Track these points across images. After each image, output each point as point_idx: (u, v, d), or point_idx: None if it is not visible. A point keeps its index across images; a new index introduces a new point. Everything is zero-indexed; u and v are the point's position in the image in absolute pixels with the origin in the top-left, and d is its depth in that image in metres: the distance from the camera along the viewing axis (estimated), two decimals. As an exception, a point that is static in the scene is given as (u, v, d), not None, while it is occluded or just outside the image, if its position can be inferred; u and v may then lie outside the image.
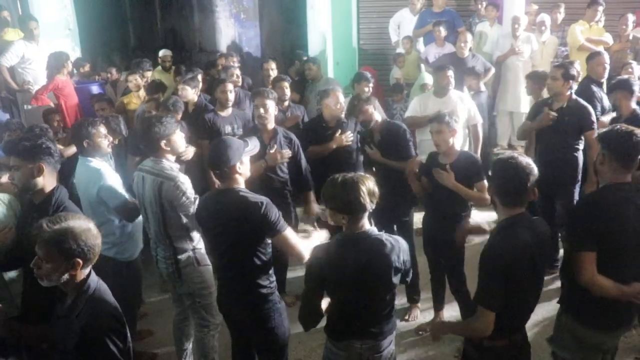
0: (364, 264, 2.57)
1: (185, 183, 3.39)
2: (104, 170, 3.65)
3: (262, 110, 4.33)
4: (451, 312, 4.43)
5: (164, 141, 3.44)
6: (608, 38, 7.15)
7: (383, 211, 3.14)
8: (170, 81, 7.23)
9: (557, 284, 3.93)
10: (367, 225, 2.66)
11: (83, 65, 7.67)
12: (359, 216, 2.60)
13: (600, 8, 7.15)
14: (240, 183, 3.02)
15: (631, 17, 7.16)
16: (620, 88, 4.51)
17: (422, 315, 4.60)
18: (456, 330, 2.97)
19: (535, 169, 2.56)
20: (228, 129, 5.12)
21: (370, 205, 2.59)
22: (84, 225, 2.23)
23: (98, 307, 2.22)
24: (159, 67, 7.85)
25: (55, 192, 3.02)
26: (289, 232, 2.97)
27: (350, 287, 2.62)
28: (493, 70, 7.16)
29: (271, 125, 4.42)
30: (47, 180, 3.01)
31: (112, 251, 3.68)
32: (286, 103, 5.53)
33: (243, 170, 3.02)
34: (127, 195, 3.65)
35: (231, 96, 5.20)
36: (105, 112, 5.50)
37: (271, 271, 3.07)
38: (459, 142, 5.36)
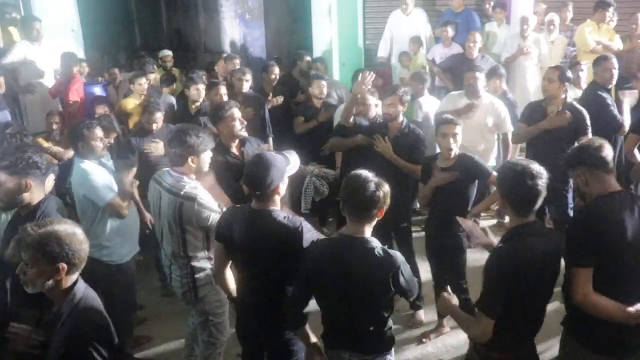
0: (347, 271, 2.49)
1: (208, 199, 3.24)
2: (92, 171, 3.67)
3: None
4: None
5: (193, 157, 3.26)
6: (617, 42, 6.99)
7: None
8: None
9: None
10: (369, 233, 2.58)
11: (82, 67, 7.60)
12: (363, 220, 2.53)
13: (610, 9, 7.01)
14: (278, 203, 2.83)
15: (642, 17, 7.04)
16: None
17: (426, 321, 4.51)
18: (457, 319, 2.75)
19: (545, 175, 2.47)
20: None
21: (379, 209, 2.53)
22: (68, 229, 2.18)
23: (83, 316, 2.15)
24: (159, 68, 7.83)
25: (42, 204, 2.97)
26: None
27: (331, 291, 2.56)
28: (502, 71, 7.02)
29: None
30: (34, 194, 2.98)
31: (100, 253, 3.66)
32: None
33: (283, 189, 2.86)
34: (114, 194, 3.64)
35: (225, 99, 5.13)
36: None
37: None
38: (488, 149, 5.27)
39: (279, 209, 2.84)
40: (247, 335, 3.06)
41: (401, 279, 2.53)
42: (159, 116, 4.93)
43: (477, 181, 3.88)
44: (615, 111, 4.96)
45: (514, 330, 2.50)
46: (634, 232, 2.53)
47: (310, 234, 2.77)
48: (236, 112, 4.03)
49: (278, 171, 2.75)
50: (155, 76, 6.86)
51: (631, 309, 2.49)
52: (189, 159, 3.24)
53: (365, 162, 3.84)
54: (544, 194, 2.47)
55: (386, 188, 2.55)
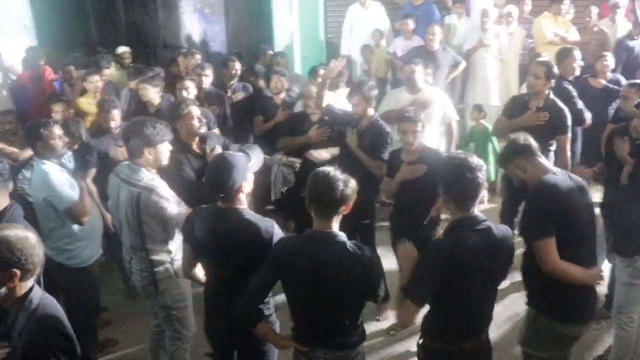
0: (320, 267, 2.46)
1: (165, 190, 3.20)
2: (51, 173, 3.58)
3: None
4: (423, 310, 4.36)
5: (150, 149, 3.21)
6: (574, 34, 7.17)
7: None
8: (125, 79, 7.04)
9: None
10: (336, 227, 2.56)
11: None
12: (329, 214, 2.50)
13: (566, 1, 7.20)
14: (244, 202, 2.82)
15: (595, 10, 7.26)
16: None
17: (393, 314, 4.53)
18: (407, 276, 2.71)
19: (484, 168, 2.50)
20: None
21: (345, 204, 2.50)
22: (20, 234, 2.08)
23: (41, 324, 2.07)
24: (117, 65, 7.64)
25: (7, 211, 2.89)
26: None
27: (303, 288, 2.53)
28: (464, 64, 7.11)
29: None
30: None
31: (62, 257, 3.59)
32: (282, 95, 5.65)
33: (247, 187, 2.83)
34: (75, 198, 3.56)
35: (192, 94, 5.05)
36: (61, 114, 5.25)
37: (270, 293, 2.89)
38: (434, 139, 5.30)
39: (246, 207, 2.82)
40: (215, 335, 3.02)
41: (373, 273, 2.53)
42: (116, 113, 4.75)
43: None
44: (580, 104, 5.03)
45: (457, 323, 2.55)
46: (579, 202, 2.75)
47: (280, 231, 2.77)
48: (194, 110, 3.95)
49: (240, 171, 2.72)
50: (110, 72, 6.66)
51: (591, 271, 2.73)
52: (146, 151, 3.19)
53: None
54: (484, 186, 2.51)
55: (353, 184, 2.54)
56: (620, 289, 3.46)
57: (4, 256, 2.02)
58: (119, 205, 3.27)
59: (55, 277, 3.37)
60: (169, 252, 3.32)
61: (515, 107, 4.70)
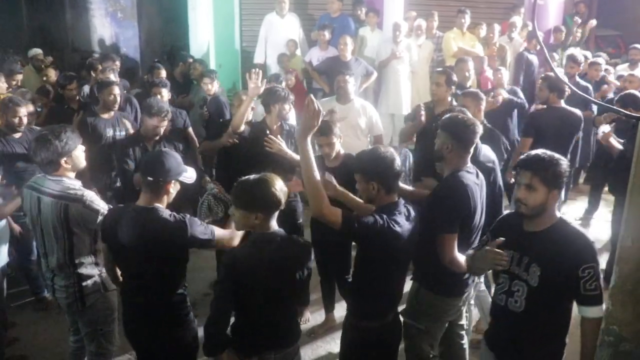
0: (277, 265, 2.56)
1: (94, 199, 3.12)
2: None
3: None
4: (342, 312, 4.48)
5: (65, 158, 3.12)
6: (479, 49, 7.67)
7: None
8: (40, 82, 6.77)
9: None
10: (276, 225, 2.65)
11: None
12: (271, 215, 2.60)
13: (466, 16, 7.75)
14: (164, 203, 2.84)
15: (497, 27, 7.84)
16: None
17: (313, 317, 4.63)
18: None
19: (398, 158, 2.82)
20: (110, 132, 4.94)
21: (282, 203, 2.61)
22: None
23: None
24: (29, 67, 7.39)
25: None
26: (219, 235, 2.88)
27: (262, 290, 2.57)
28: (375, 74, 7.38)
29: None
30: None
31: None
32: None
33: (173, 191, 2.87)
34: None
35: (118, 99, 5.02)
36: None
37: (185, 290, 2.95)
38: (361, 149, 5.38)
39: (164, 208, 2.84)
40: (132, 336, 3.01)
41: (306, 271, 2.69)
42: (23, 111, 4.46)
43: None
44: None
45: (377, 302, 2.83)
46: (480, 197, 3.06)
47: (199, 227, 2.79)
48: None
49: (176, 165, 2.83)
50: (20, 77, 6.38)
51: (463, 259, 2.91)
52: (62, 161, 3.11)
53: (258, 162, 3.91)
54: (403, 171, 2.74)
55: (279, 182, 2.65)
56: None
57: None
58: (42, 221, 3.13)
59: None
60: (97, 264, 3.24)
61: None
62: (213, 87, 6.33)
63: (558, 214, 2.55)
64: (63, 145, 3.08)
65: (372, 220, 2.61)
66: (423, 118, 4.59)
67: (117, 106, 5.05)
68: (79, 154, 3.21)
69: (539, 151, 2.53)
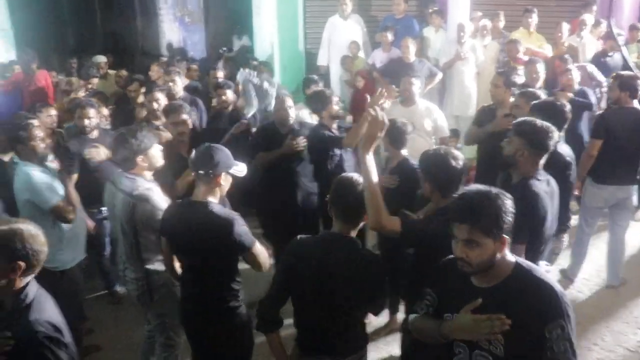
0: (331, 271, 2.48)
1: (160, 199, 3.25)
2: (34, 174, 3.57)
3: None
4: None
5: (141, 156, 3.26)
6: (547, 50, 7.40)
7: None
8: (106, 87, 7.05)
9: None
10: (354, 234, 2.61)
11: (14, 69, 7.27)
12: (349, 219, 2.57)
13: (533, 15, 7.48)
14: (216, 196, 2.91)
15: (566, 26, 7.51)
16: None
17: (376, 318, 4.59)
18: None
19: (463, 157, 2.76)
20: None
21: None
22: (32, 229, 2.14)
23: (35, 316, 2.08)
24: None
25: None
26: (256, 248, 2.91)
27: (311, 292, 2.53)
28: (440, 75, 7.29)
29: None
30: None
31: None
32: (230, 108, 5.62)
33: (225, 184, 2.93)
34: (59, 198, 3.57)
35: (157, 106, 5.07)
36: (51, 118, 5.13)
37: (239, 285, 3.01)
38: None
39: (216, 202, 2.91)
40: (187, 325, 3.12)
41: (383, 282, 2.60)
42: (92, 113, 4.62)
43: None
44: None
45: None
46: (551, 206, 2.98)
47: (244, 228, 2.85)
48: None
49: (226, 159, 2.88)
50: (96, 81, 6.70)
51: None
52: (138, 159, 3.24)
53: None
54: (465, 173, 2.73)
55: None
56: None
57: (14, 247, 2.05)
58: (116, 214, 3.29)
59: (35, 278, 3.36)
60: None
61: (484, 116, 4.83)
62: (228, 99, 5.73)
63: (512, 259, 2.07)
64: (139, 144, 3.23)
65: (425, 223, 2.59)
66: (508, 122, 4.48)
67: (157, 113, 5.04)
68: (155, 153, 3.34)
69: (469, 193, 2.05)
